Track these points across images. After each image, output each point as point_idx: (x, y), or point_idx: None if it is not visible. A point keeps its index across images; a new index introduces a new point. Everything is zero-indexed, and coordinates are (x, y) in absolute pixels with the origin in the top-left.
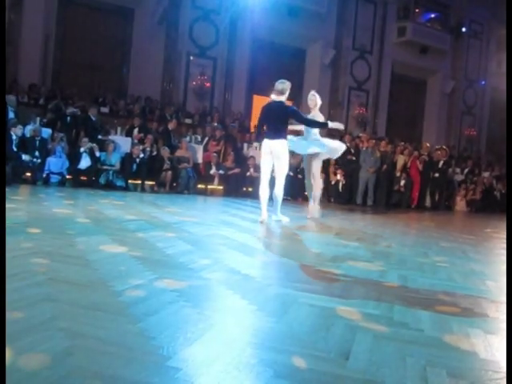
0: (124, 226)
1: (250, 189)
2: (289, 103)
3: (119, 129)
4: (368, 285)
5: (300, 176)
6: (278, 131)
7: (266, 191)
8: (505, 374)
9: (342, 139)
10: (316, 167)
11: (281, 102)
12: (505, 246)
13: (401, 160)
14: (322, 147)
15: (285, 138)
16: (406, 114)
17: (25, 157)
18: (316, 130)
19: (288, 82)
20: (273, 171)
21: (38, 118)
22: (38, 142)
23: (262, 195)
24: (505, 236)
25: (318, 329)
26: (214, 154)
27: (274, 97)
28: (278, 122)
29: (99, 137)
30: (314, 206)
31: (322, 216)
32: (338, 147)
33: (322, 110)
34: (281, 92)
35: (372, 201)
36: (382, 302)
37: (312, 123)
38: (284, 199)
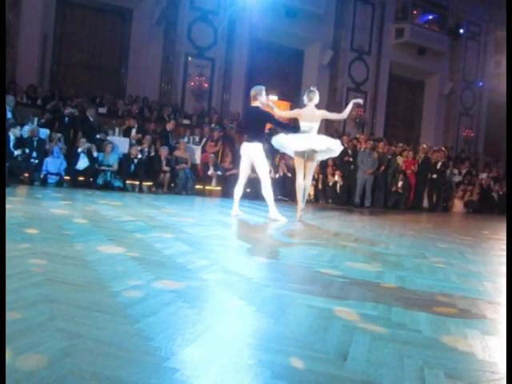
0: (122, 226)
1: (248, 189)
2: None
3: (117, 129)
4: (366, 286)
5: None
6: (254, 135)
7: (240, 190)
8: (502, 375)
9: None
10: (313, 167)
11: (256, 108)
12: (503, 247)
13: (399, 161)
14: (327, 145)
15: (260, 141)
16: (404, 115)
17: (16, 152)
18: (316, 128)
19: (260, 86)
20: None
21: (36, 119)
22: (35, 143)
23: (235, 193)
24: (503, 237)
25: (316, 330)
26: (212, 155)
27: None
28: (254, 126)
29: (97, 136)
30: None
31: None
32: (335, 148)
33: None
34: (253, 98)
35: (370, 202)
36: (380, 302)
37: (284, 126)
38: (281, 199)
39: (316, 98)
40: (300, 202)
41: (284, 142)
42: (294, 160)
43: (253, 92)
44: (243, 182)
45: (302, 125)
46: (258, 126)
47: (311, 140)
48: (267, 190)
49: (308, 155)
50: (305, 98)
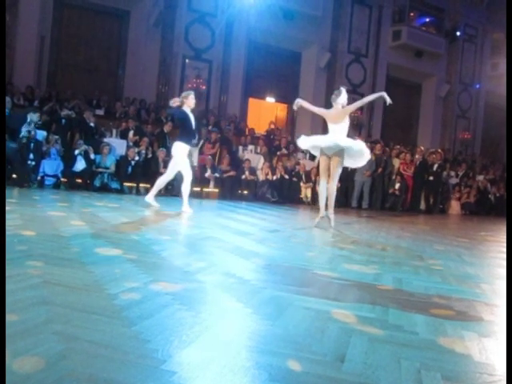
0: (119, 228)
1: (246, 191)
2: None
3: (114, 131)
4: (363, 288)
5: (295, 179)
6: (179, 135)
7: (187, 187)
8: (499, 377)
9: None
10: (338, 171)
11: (180, 109)
12: (500, 249)
13: (396, 163)
14: (352, 143)
15: (181, 140)
16: (401, 117)
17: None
18: (343, 128)
19: (189, 91)
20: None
21: None
22: (32, 144)
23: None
24: (500, 239)
25: (314, 332)
26: (210, 157)
27: None
28: (178, 126)
29: (95, 137)
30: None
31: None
32: (360, 148)
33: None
34: (181, 101)
35: (367, 204)
36: (377, 304)
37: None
38: (277, 202)
39: (339, 99)
40: (322, 209)
41: (309, 140)
42: (319, 160)
43: (182, 95)
44: (187, 179)
45: (329, 127)
46: (181, 125)
47: (336, 137)
48: (186, 186)
49: (334, 154)
50: (332, 101)
